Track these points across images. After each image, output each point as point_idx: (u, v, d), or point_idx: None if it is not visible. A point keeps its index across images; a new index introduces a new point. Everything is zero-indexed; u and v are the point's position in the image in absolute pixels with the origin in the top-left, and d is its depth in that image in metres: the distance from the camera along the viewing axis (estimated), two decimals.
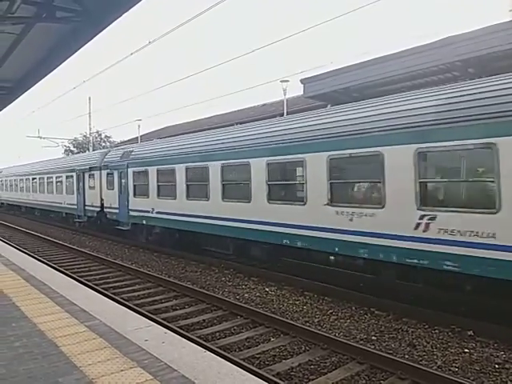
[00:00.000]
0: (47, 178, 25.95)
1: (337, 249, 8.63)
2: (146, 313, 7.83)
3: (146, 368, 3.74)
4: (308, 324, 7.50)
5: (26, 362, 3.93)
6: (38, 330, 4.79)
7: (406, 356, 6.16)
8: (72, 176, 21.90)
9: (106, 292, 9.32)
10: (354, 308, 8.31)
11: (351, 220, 8.24)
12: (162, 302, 9.08)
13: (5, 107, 18.67)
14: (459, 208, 6.74)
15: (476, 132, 6.45)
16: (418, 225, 7.14)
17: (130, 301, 8.99)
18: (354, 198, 8.78)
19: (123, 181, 16.87)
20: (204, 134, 14.21)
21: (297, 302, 8.83)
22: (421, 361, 6.00)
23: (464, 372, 5.65)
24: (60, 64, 11.55)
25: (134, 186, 16.07)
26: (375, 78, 11.77)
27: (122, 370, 3.70)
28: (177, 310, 8.59)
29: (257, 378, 3.73)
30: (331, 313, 8.13)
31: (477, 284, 6.79)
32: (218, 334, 7.17)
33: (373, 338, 6.87)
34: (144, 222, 15.54)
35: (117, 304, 6.24)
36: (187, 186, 13.23)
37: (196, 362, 3.87)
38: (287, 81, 22.26)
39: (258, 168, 10.45)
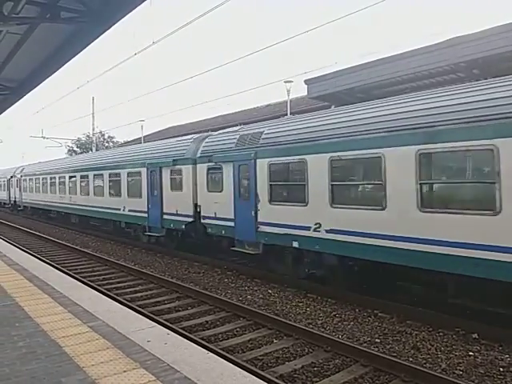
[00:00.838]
0: (94, 175, 19.56)
1: None
2: (149, 314, 7.83)
3: (149, 369, 3.73)
4: (311, 326, 7.46)
5: (29, 362, 3.94)
6: (41, 330, 4.79)
7: (410, 359, 6.12)
8: (139, 173, 15.77)
9: (108, 293, 9.32)
10: (357, 310, 8.27)
11: None
12: (164, 303, 9.07)
13: (9, 107, 18.75)
14: None
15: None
16: None
17: (132, 302, 8.98)
18: None
19: (244, 179, 11.18)
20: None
21: (300, 304, 8.79)
22: (425, 364, 5.95)
23: (468, 375, 5.60)
24: (64, 64, 11.60)
25: (270, 186, 10.28)
26: (380, 79, 11.74)
27: (124, 371, 3.69)
28: (179, 311, 8.58)
29: (259, 380, 3.71)
30: (335, 315, 8.09)
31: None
32: (220, 335, 7.15)
33: (376, 340, 6.83)
34: (296, 244, 9.57)
35: (120, 305, 6.23)
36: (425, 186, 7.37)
37: (198, 364, 3.86)
38: (291, 81, 22.27)
39: None
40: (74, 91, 30.22)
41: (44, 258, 13.23)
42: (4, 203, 37.67)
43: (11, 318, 5.27)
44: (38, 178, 27.99)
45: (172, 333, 4.87)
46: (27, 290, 6.69)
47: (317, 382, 5.45)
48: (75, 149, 50.93)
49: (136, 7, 8.04)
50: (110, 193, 18.10)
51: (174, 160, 13.78)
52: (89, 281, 10.55)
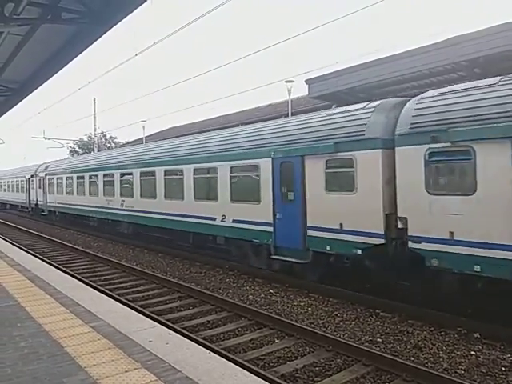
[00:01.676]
0: (165, 171, 14.60)
1: None
2: (151, 314, 7.84)
3: (150, 369, 3.74)
4: (313, 326, 7.46)
5: (31, 363, 3.95)
6: (43, 331, 4.80)
7: (412, 358, 6.12)
8: (254, 167, 10.90)
9: (110, 293, 9.33)
10: (359, 310, 8.27)
11: None
12: (166, 303, 9.08)
13: (11, 108, 18.80)
14: None
15: None
16: None
17: (134, 302, 8.99)
18: None
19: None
20: None
21: (302, 304, 8.79)
22: (426, 363, 5.95)
23: (470, 375, 5.60)
24: (65, 65, 11.63)
25: None
26: (380, 78, 11.70)
27: (126, 371, 3.70)
28: (181, 311, 8.59)
29: (261, 380, 3.71)
30: (336, 314, 8.09)
31: None
32: (222, 335, 7.16)
33: (378, 340, 6.83)
34: None
35: (121, 305, 6.25)
36: None
37: (200, 363, 3.86)
38: (292, 81, 22.27)
39: None
40: (75, 92, 30.31)
41: (46, 259, 13.26)
42: (21, 206, 32.69)
43: (13, 318, 5.28)
44: (71, 177, 22.63)
45: (174, 333, 4.87)
46: (29, 291, 6.70)
47: (318, 381, 5.46)
48: (77, 149, 50.96)
49: (136, 8, 8.06)
50: (195, 196, 13.19)
51: (336, 144, 8.86)
52: (91, 281, 10.57)
